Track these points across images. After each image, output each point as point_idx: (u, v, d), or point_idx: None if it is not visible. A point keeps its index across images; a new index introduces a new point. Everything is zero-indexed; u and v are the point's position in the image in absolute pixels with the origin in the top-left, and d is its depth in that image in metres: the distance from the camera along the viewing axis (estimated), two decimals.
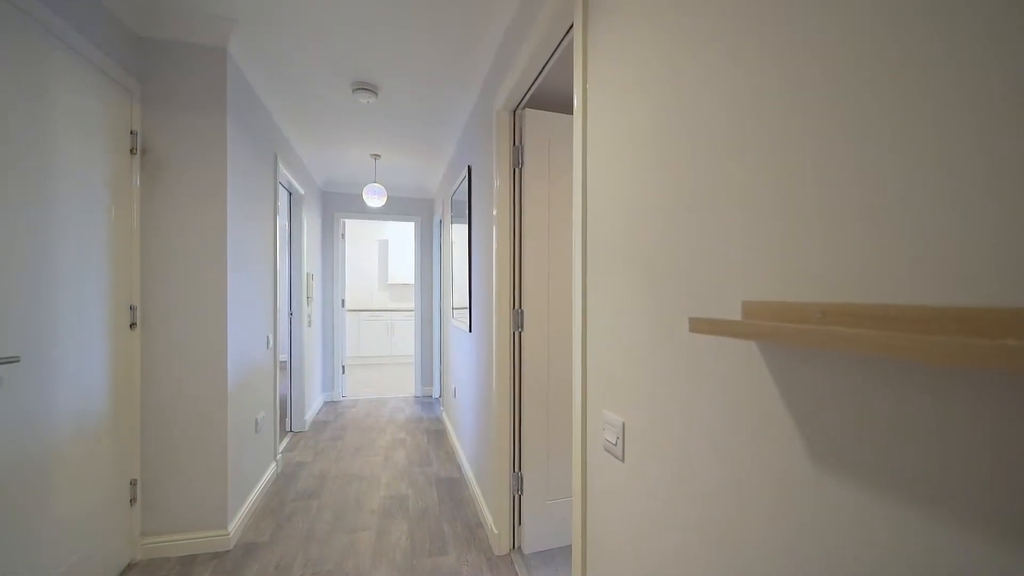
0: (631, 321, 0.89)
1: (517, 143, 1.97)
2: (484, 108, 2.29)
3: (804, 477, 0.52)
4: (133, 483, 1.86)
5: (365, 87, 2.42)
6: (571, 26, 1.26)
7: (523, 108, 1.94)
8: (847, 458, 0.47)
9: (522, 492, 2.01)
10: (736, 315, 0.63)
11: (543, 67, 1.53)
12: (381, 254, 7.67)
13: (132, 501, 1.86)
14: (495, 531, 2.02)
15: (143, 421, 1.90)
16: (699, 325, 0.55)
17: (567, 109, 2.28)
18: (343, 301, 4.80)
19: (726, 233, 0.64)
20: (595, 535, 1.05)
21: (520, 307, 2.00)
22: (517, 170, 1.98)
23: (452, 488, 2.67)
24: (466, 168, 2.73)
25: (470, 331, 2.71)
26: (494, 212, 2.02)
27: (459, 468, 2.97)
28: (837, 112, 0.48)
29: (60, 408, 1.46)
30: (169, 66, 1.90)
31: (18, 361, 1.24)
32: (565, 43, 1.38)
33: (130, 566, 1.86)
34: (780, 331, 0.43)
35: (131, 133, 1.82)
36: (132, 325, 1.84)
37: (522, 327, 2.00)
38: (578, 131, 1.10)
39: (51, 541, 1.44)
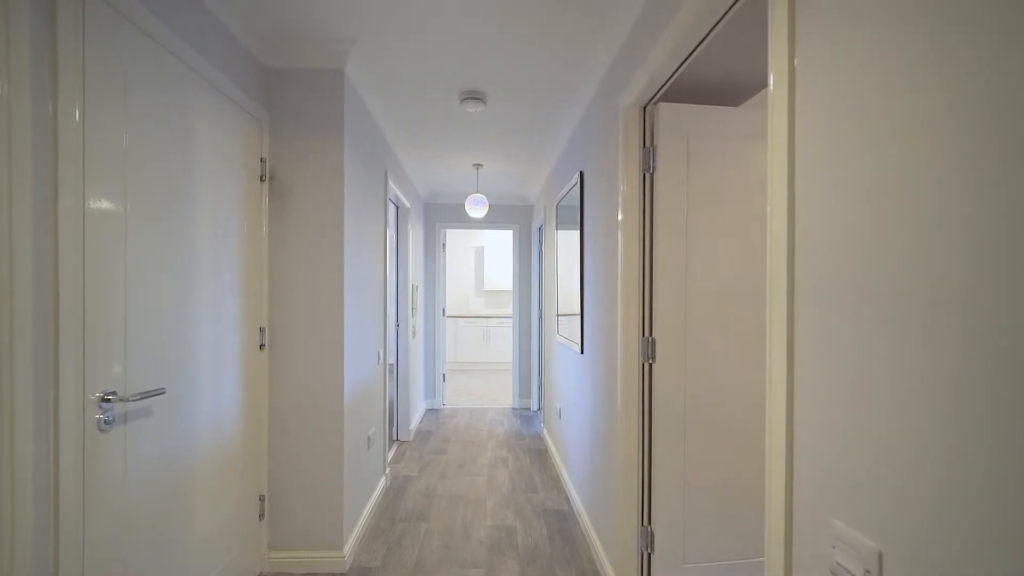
0: (909, 407, 0.58)
1: (648, 144, 1.69)
2: (602, 107, 2.04)
3: None
4: (261, 499, 1.92)
5: (473, 96, 2.31)
6: None
7: (656, 103, 1.66)
8: None
9: (652, 551, 1.72)
10: None
11: (696, 47, 1.24)
12: (477, 261, 7.76)
13: (261, 516, 1.92)
14: None
15: (269, 439, 1.96)
16: None
17: (709, 99, 1.94)
18: (443, 310, 4.85)
19: None
20: None
21: (651, 335, 1.71)
22: (647, 175, 1.70)
23: (562, 524, 2.45)
24: (577, 174, 2.50)
25: (582, 352, 2.47)
26: (619, 222, 1.76)
27: (567, 499, 2.74)
28: None
29: (201, 430, 1.51)
30: (292, 93, 1.94)
31: (164, 393, 1.27)
32: (731, 13, 1.09)
33: None
34: None
35: (261, 161, 1.88)
36: (261, 347, 1.90)
37: (653, 358, 1.71)
38: (780, 124, 0.80)
39: (196, 553, 1.49)
